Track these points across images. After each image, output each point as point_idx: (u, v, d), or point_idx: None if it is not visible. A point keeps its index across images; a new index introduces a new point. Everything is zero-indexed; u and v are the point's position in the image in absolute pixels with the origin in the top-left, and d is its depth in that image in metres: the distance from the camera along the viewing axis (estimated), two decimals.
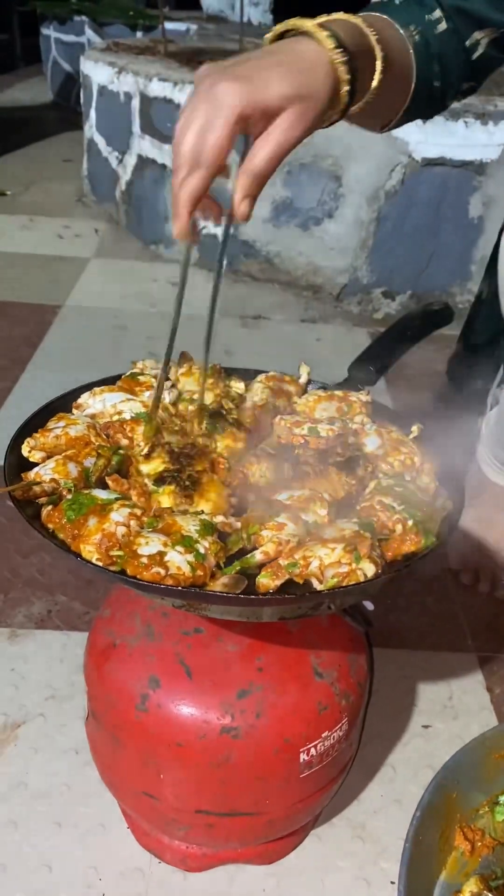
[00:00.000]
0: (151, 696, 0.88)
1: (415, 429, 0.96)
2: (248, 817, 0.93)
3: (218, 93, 0.68)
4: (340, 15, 0.82)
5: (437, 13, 0.97)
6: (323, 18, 0.79)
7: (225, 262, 0.82)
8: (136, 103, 3.22)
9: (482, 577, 1.56)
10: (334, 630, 0.98)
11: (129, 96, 3.25)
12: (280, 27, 0.80)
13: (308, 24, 0.76)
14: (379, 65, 0.82)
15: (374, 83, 0.82)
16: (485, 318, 1.86)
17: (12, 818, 1.08)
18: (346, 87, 0.75)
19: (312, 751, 0.90)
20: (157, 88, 3.07)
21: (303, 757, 0.89)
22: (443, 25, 0.96)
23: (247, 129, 0.70)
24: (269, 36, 0.82)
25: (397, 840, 1.04)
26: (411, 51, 0.93)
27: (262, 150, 0.70)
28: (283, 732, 0.88)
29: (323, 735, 0.90)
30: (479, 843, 1.00)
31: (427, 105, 1.01)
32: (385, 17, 0.92)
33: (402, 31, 0.92)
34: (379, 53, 0.82)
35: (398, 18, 0.93)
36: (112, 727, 0.92)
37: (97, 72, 3.46)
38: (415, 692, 1.34)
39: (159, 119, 3.13)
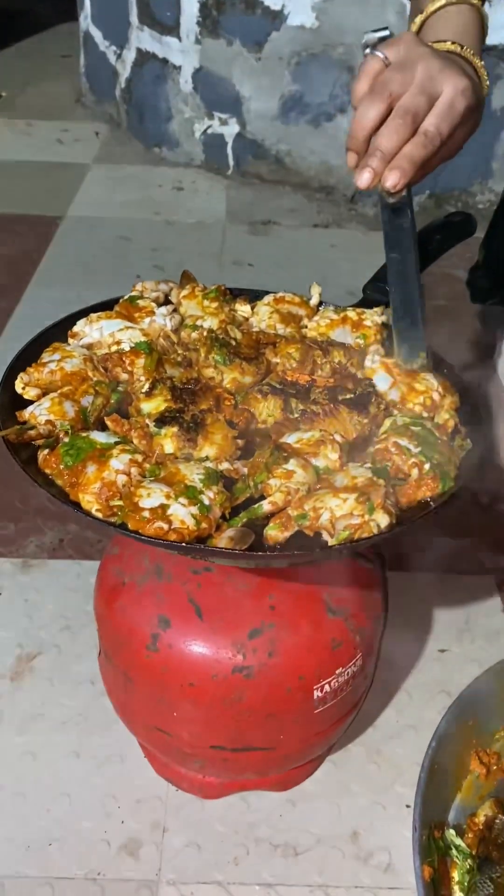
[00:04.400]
0: (162, 636, 0.87)
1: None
2: (263, 752, 0.92)
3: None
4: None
5: None
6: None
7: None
8: None
9: (501, 497, 1.53)
10: (348, 566, 0.95)
11: None
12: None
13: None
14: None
15: None
16: None
17: (31, 749, 1.09)
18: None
19: (326, 687, 0.89)
20: None
21: (317, 694, 0.88)
22: None
23: None
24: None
25: (413, 765, 1.05)
26: None
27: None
28: (297, 670, 0.86)
29: (337, 672, 0.89)
30: (495, 767, 1.00)
31: None
32: None
33: None
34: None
35: None
36: (124, 666, 0.91)
37: None
38: (431, 616, 1.32)
39: (158, 8, 2.90)
